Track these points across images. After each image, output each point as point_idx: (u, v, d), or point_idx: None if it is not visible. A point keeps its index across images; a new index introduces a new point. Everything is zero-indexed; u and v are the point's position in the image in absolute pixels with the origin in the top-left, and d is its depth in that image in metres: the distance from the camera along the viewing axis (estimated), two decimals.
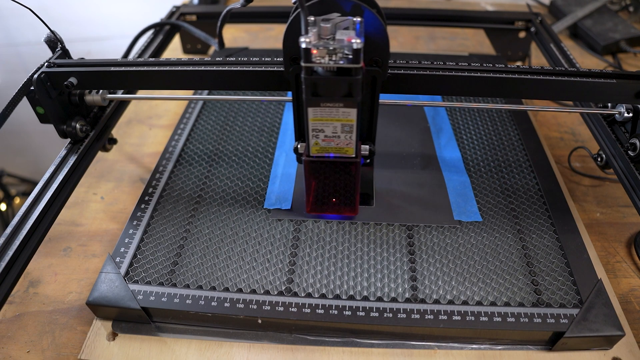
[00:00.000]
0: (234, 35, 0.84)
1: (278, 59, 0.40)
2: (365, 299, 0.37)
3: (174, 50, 0.74)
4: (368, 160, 0.41)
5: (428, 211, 0.44)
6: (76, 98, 0.44)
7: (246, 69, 0.40)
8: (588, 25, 0.79)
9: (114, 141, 0.51)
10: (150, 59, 0.45)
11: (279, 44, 0.81)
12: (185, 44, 0.73)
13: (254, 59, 0.41)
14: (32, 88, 0.40)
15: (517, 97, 0.48)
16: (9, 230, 0.36)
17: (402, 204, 0.45)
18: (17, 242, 0.35)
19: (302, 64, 0.31)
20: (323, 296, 0.37)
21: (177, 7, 0.69)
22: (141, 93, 0.52)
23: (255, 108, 0.58)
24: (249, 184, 0.47)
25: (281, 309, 0.36)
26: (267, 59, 0.40)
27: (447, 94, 0.42)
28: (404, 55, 0.70)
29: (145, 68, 0.41)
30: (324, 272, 0.39)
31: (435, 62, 0.40)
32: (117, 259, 0.39)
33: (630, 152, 0.42)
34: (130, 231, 0.42)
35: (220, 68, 0.40)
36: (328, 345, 0.36)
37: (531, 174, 0.48)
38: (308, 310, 0.36)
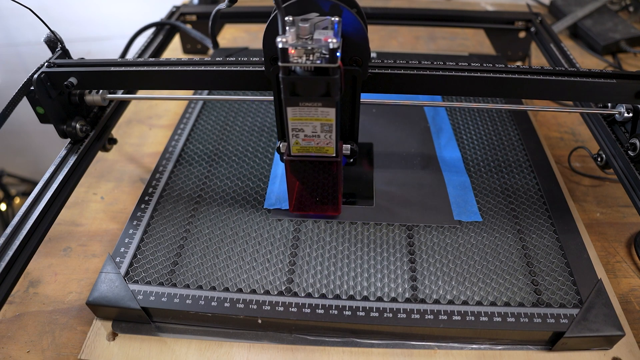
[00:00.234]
0: (234, 35, 0.84)
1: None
2: (365, 299, 0.37)
3: (174, 50, 0.74)
4: (351, 160, 0.41)
5: (428, 211, 0.44)
6: (76, 98, 0.44)
7: (246, 69, 0.40)
8: (588, 25, 0.79)
9: (114, 141, 0.51)
10: (150, 59, 0.45)
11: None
12: (185, 44, 0.73)
13: (254, 59, 0.41)
14: (32, 88, 0.40)
15: (517, 97, 0.48)
16: (9, 230, 0.36)
17: (402, 204, 0.45)
18: (17, 242, 0.35)
19: (280, 63, 0.32)
20: (323, 296, 0.37)
21: (177, 7, 0.69)
22: (141, 93, 0.52)
23: (255, 108, 0.58)
24: (249, 184, 0.47)
25: (281, 309, 0.36)
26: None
27: (447, 94, 0.42)
28: (404, 55, 0.70)
29: (145, 68, 0.41)
30: (324, 272, 0.39)
31: (435, 62, 0.40)
32: (117, 259, 0.39)
33: (630, 152, 0.42)
34: (130, 231, 0.42)
35: (220, 68, 0.40)
36: (328, 345, 0.36)
37: (531, 174, 0.48)
38: (308, 310, 0.36)
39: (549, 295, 0.37)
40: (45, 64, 0.42)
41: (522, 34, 0.68)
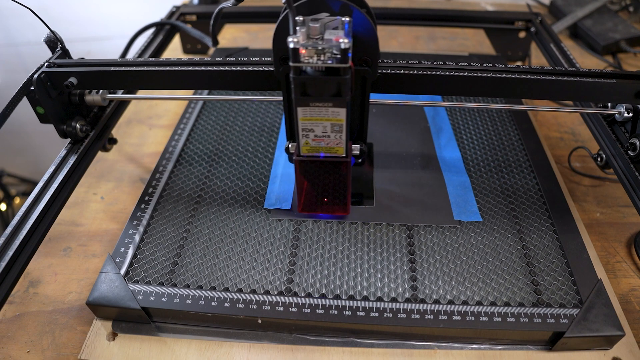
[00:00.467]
0: (234, 35, 0.84)
1: (253, 59, 0.40)
2: (365, 299, 0.37)
3: (174, 50, 0.74)
4: (360, 160, 0.41)
5: (428, 211, 0.44)
6: (76, 98, 0.44)
7: (246, 69, 0.40)
8: (588, 25, 0.79)
9: (114, 141, 0.51)
10: (150, 59, 0.45)
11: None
12: (185, 44, 0.73)
13: (254, 59, 0.41)
14: (32, 88, 0.40)
15: (517, 97, 0.48)
16: (9, 230, 0.36)
17: (402, 204, 0.45)
18: (17, 242, 0.35)
19: (291, 63, 0.32)
20: (323, 296, 0.37)
21: (177, 7, 0.69)
22: (141, 93, 0.52)
23: (255, 108, 0.58)
24: (249, 184, 0.47)
25: (281, 309, 0.36)
26: (267, 59, 0.41)
27: (447, 94, 0.42)
28: (404, 55, 0.70)
29: (145, 68, 0.41)
30: (324, 272, 0.39)
31: (435, 62, 0.40)
32: (117, 259, 0.39)
33: (630, 152, 0.42)
34: (130, 231, 0.42)
35: (220, 68, 0.40)
36: (328, 345, 0.36)
37: (531, 174, 0.48)
38: (308, 310, 0.36)
39: (549, 295, 0.37)
40: (45, 64, 0.42)
41: (522, 34, 0.68)
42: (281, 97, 0.46)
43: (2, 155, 1.30)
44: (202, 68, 0.40)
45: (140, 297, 0.37)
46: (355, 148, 0.40)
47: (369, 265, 0.39)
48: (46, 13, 0.45)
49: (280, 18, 0.34)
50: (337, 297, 0.37)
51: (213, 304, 0.36)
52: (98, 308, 0.37)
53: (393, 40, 0.82)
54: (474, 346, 0.36)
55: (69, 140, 0.44)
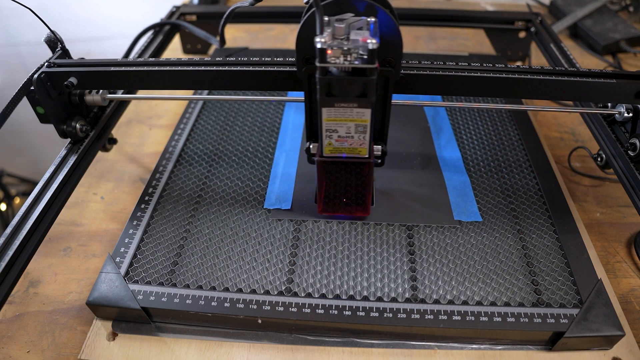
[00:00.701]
0: (234, 35, 0.84)
1: (278, 59, 0.40)
2: (365, 299, 0.37)
3: (174, 50, 0.74)
4: (379, 161, 0.41)
5: (428, 211, 0.44)
6: (76, 98, 0.44)
7: (246, 69, 0.40)
8: (588, 25, 0.79)
9: (114, 141, 0.51)
10: (150, 59, 0.45)
11: (279, 44, 0.81)
12: (185, 44, 0.73)
13: (254, 59, 0.41)
14: (32, 88, 0.40)
15: (517, 97, 0.48)
16: (9, 230, 0.36)
17: (402, 204, 0.45)
18: (17, 242, 0.35)
19: (317, 64, 0.31)
20: (323, 296, 0.37)
21: (177, 7, 0.69)
22: (141, 93, 0.52)
23: (255, 108, 0.58)
24: (249, 184, 0.47)
25: (281, 309, 0.36)
26: (267, 59, 0.41)
27: (447, 94, 0.42)
28: (403, 55, 0.69)
29: (145, 68, 0.41)
30: (324, 272, 0.39)
31: (435, 62, 0.40)
32: (117, 259, 0.39)
33: (630, 152, 0.42)
34: (130, 231, 0.42)
35: (221, 68, 0.40)
36: (328, 345, 0.36)
37: (531, 174, 0.48)
38: (308, 310, 0.36)
39: (549, 295, 0.37)
40: (45, 64, 0.42)
41: (522, 34, 0.68)
42: (281, 97, 0.46)
43: (2, 155, 1.30)
44: (202, 68, 0.40)
45: (140, 297, 0.37)
46: (377, 149, 0.40)
47: (369, 265, 0.39)
48: (46, 13, 0.45)
49: (304, 18, 0.33)
50: (337, 297, 0.37)
51: (213, 304, 0.36)
52: (98, 308, 0.37)
53: None
54: (474, 346, 0.36)
55: (69, 140, 0.44)
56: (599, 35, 0.76)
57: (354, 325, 0.36)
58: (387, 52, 0.35)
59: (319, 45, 0.30)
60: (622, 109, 0.43)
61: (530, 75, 0.39)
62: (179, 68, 0.40)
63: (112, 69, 0.41)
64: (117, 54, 0.57)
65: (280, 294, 0.37)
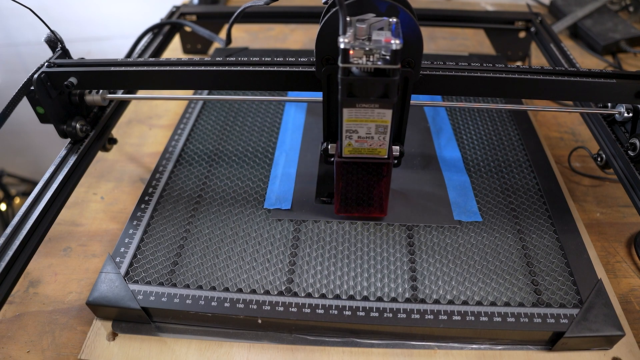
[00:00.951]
0: (234, 35, 0.84)
1: (278, 59, 0.40)
2: (365, 299, 0.37)
3: (174, 50, 0.74)
4: (396, 162, 0.41)
5: (428, 211, 0.44)
6: (76, 98, 0.44)
7: (246, 69, 0.40)
8: (588, 25, 0.79)
9: (114, 141, 0.51)
10: (150, 59, 0.45)
11: (279, 44, 0.81)
12: (185, 44, 0.73)
13: (254, 59, 0.41)
14: (32, 88, 0.40)
15: (517, 97, 0.48)
16: (9, 230, 0.36)
17: (402, 204, 0.45)
18: (17, 242, 0.35)
19: (340, 64, 0.31)
20: (323, 296, 0.37)
21: (177, 7, 0.69)
22: (141, 93, 0.52)
23: (255, 108, 0.58)
24: (249, 184, 0.47)
25: (281, 309, 0.36)
26: (267, 59, 0.41)
27: (447, 94, 0.42)
28: None
29: (145, 68, 0.41)
30: (324, 272, 0.39)
31: (435, 62, 0.40)
32: (117, 259, 0.39)
33: (630, 152, 0.42)
34: (130, 231, 0.42)
35: (220, 68, 0.40)
36: (328, 345, 0.36)
37: (531, 174, 0.48)
38: (308, 310, 0.36)
39: (549, 295, 0.37)
40: (46, 63, 0.42)
41: (522, 34, 0.68)
42: (281, 97, 0.46)
43: (2, 155, 1.30)
44: (202, 68, 0.40)
45: (140, 297, 0.37)
46: (395, 149, 0.40)
47: (369, 265, 0.39)
48: (46, 13, 0.45)
49: (324, 18, 0.33)
50: (337, 297, 0.37)
51: (213, 304, 0.36)
52: (98, 308, 0.37)
53: None
54: (474, 346, 0.36)
55: (69, 140, 0.44)
56: (599, 35, 0.76)
57: (354, 325, 0.36)
58: (408, 53, 0.35)
59: (342, 46, 0.30)
60: (622, 109, 0.43)
61: (530, 75, 0.39)
62: (179, 68, 0.40)
63: (112, 69, 0.41)
64: (117, 54, 0.57)
65: (280, 294, 0.37)
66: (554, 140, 0.58)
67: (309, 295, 0.37)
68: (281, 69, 0.39)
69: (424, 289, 0.37)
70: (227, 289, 0.37)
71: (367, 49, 0.30)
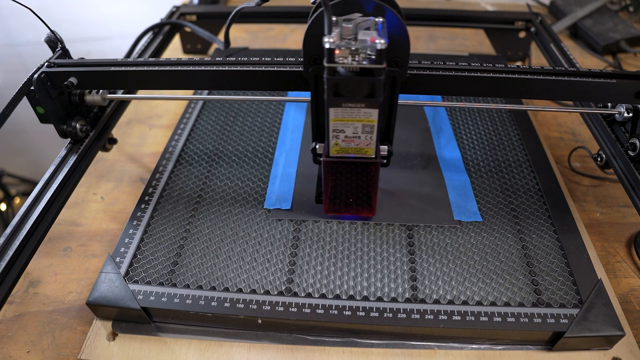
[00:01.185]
0: (234, 35, 0.84)
1: (278, 59, 0.40)
2: (365, 299, 0.37)
3: (174, 50, 0.74)
4: (385, 161, 0.41)
5: (428, 211, 0.44)
6: (76, 98, 0.44)
7: (246, 68, 0.40)
8: (588, 25, 0.79)
9: (114, 141, 0.51)
10: (150, 59, 0.45)
11: (279, 44, 0.81)
12: (185, 44, 0.73)
13: (254, 58, 0.41)
14: (32, 88, 0.40)
15: (517, 97, 0.48)
16: (9, 230, 0.36)
17: (402, 204, 0.45)
18: (17, 242, 0.35)
19: (325, 64, 0.31)
20: (323, 296, 0.37)
21: (177, 7, 0.69)
22: (141, 93, 0.52)
23: (255, 108, 0.58)
24: (249, 184, 0.47)
25: (281, 309, 0.36)
26: (267, 58, 0.41)
27: (447, 94, 0.42)
28: None
29: (145, 68, 0.41)
30: (324, 272, 0.39)
31: (435, 62, 0.40)
32: (117, 259, 0.39)
33: (630, 152, 0.42)
34: (130, 231, 0.42)
35: (221, 68, 0.40)
36: (328, 345, 0.36)
37: (531, 174, 0.48)
38: (308, 310, 0.36)
39: (549, 295, 0.37)
40: (46, 63, 0.42)
41: (522, 34, 0.68)
42: (281, 97, 0.46)
43: (2, 155, 1.30)
44: (202, 68, 0.40)
45: (140, 297, 0.37)
46: (383, 149, 0.40)
47: (369, 265, 0.39)
48: (46, 13, 0.45)
49: (312, 18, 0.33)
50: (337, 297, 0.37)
51: (213, 304, 0.36)
52: (98, 308, 0.37)
53: None
54: (474, 346, 0.36)
55: (69, 140, 0.44)
56: (599, 35, 0.76)
57: (354, 325, 0.36)
58: (395, 53, 0.35)
59: (327, 46, 0.30)
60: (622, 109, 0.43)
61: (530, 75, 0.39)
62: (179, 68, 0.40)
63: (112, 69, 0.41)
64: (117, 54, 0.57)
65: (280, 294, 0.37)
66: (554, 140, 0.58)
67: (309, 295, 0.37)
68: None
69: (424, 289, 0.37)
70: (227, 289, 0.37)
71: (352, 48, 0.31)
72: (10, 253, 0.34)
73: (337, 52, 0.31)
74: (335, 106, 0.33)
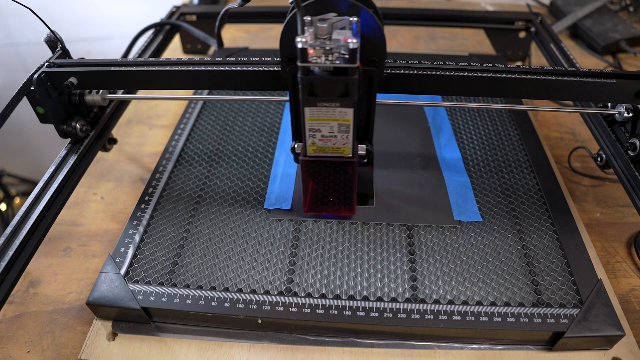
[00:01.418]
0: (234, 35, 0.84)
1: (277, 59, 0.40)
2: (365, 299, 0.37)
3: (174, 50, 0.74)
4: (365, 160, 0.41)
5: (428, 211, 0.44)
6: (76, 98, 0.44)
7: (246, 68, 0.40)
8: (588, 25, 0.79)
9: (114, 141, 0.51)
10: (150, 59, 0.45)
11: (278, 44, 0.81)
12: (185, 44, 0.73)
13: (254, 58, 0.41)
14: (32, 88, 0.40)
15: (517, 97, 0.48)
16: (9, 230, 0.36)
17: (402, 204, 0.45)
18: (17, 242, 0.35)
19: (299, 63, 0.31)
20: (323, 296, 0.37)
21: (177, 7, 0.69)
22: (141, 93, 0.52)
23: (255, 108, 0.58)
24: (249, 184, 0.47)
25: (281, 309, 0.36)
26: (267, 58, 0.41)
27: (447, 94, 0.42)
28: (404, 55, 0.70)
29: (145, 68, 0.41)
30: (324, 272, 0.39)
31: (435, 62, 0.40)
32: (117, 259, 0.39)
33: (630, 152, 0.42)
34: (130, 231, 0.42)
35: (220, 68, 0.40)
36: (328, 345, 0.36)
37: (531, 174, 0.48)
38: (308, 310, 0.36)
39: (549, 295, 0.37)
40: (46, 63, 0.42)
41: (522, 34, 0.68)
42: (281, 97, 0.46)
43: (2, 155, 1.30)
44: (202, 68, 0.40)
45: (140, 297, 0.37)
46: (362, 148, 0.40)
47: (369, 265, 0.39)
48: (46, 13, 0.45)
49: (287, 18, 0.34)
50: (337, 297, 0.37)
51: (213, 304, 0.36)
52: (98, 308, 0.37)
53: (393, 40, 0.82)
54: (474, 346, 0.36)
55: (69, 140, 0.44)
56: (599, 35, 0.76)
57: (354, 325, 0.36)
58: (371, 52, 0.35)
59: (299, 45, 0.31)
60: (622, 109, 0.43)
61: (530, 75, 0.39)
62: (179, 68, 0.40)
63: (112, 69, 0.41)
64: (117, 54, 0.57)
65: (280, 294, 0.37)
66: (554, 140, 0.58)
67: (309, 295, 0.37)
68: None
69: (424, 289, 0.37)
70: (227, 289, 0.37)
71: (327, 48, 0.31)
72: (10, 253, 0.34)
73: (311, 51, 0.31)
74: (310, 105, 0.34)
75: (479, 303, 0.36)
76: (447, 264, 0.39)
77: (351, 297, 0.37)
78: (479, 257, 0.40)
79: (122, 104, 0.51)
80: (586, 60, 0.75)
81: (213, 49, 0.74)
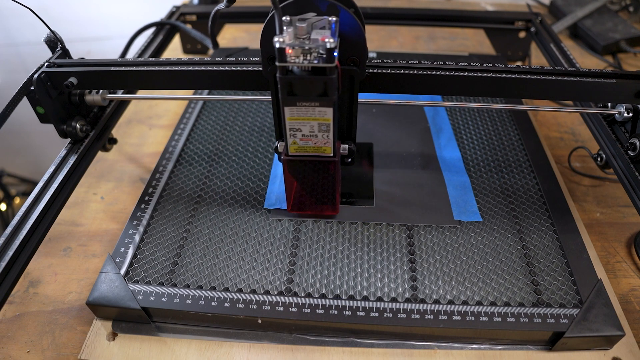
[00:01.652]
0: (234, 35, 0.84)
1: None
2: (365, 299, 0.37)
3: (174, 50, 0.74)
4: (349, 160, 0.41)
5: (428, 211, 0.44)
6: (76, 98, 0.44)
7: (246, 68, 0.40)
8: (588, 25, 0.79)
9: (114, 141, 0.51)
10: (150, 59, 0.45)
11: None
12: (185, 44, 0.73)
13: (254, 58, 0.41)
14: (32, 88, 0.40)
15: (517, 97, 0.48)
16: (9, 230, 0.36)
17: (402, 204, 0.45)
18: (17, 242, 0.35)
19: (277, 63, 0.32)
20: (323, 296, 0.37)
21: (177, 7, 0.69)
22: (141, 93, 0.52)
23: (255, 108, 0.58)
24: (249, 184, 0.47)
25: (281, 309, 0.36)
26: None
27: (447, 94, 0.42)
28: (404, 55, 0.70)
29: (145, 68, 0.41)
30: (324, 272, 0.39)
31: (435, 62, 0.40)
32: (117, 259, 0.39)
33: (630, 152, 0.42)
34: (130, 231, 0.42)
35: (220, 68, 0.40)
36: (328, 345, 0.36)
37: (531, 174, 0.48)
38: (308, 310, 0.36)
39: (549, 295, 0.37)
40: (46, 63, 0.42)
41: (522, 34, 0.68)
42: None
43: (2, 155, 1.30)
44: (202, 68, 0.40)
45: (140, 297, 0.37)
46: (344, 147, 0.40)
47: (369, 265, 0.39)
48: (46, 13, 0.45)
49: (267, 18, 0.34)
50: (337, 297, 0.37)
51: (213, 304, 0.36)
52: (98, 308, 0.37)
53: (393, 40, 0.82)
54: (474, 346, 0.36)
55: (69, 140, 0.44)
56: (599, 35, 0.76)
57: (354, 325, 0.36)
58: (351, 52, 0.35)
59: (277, 45, 0.31)
60: (622, 109, 0.43)
61: (530, 75, 0.39)
62: (179, 68, 0.41)
63: (112, 69, 0.41)
64: (117, 54, 0.57)
65: (280, 294, 0.37)
66: (554, 140, 0.58)
67: (309, 295, 0.37)
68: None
69: (424, 289, 0.37)
70: (227, 289, 0.37)
71: (305, 47, 0.31)
72: (10, 253, 0.34)
73: (289, 51, 0.31)
74: (290, 105, 0.34)
75: (479, 303, 0.36)
76: (447, 264, 0.39)
77: (351, 297, 0.37)
78: (479, 257, 0.40)
79: (122, 104, 0.51)
80: (586, 60, 0.75)
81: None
